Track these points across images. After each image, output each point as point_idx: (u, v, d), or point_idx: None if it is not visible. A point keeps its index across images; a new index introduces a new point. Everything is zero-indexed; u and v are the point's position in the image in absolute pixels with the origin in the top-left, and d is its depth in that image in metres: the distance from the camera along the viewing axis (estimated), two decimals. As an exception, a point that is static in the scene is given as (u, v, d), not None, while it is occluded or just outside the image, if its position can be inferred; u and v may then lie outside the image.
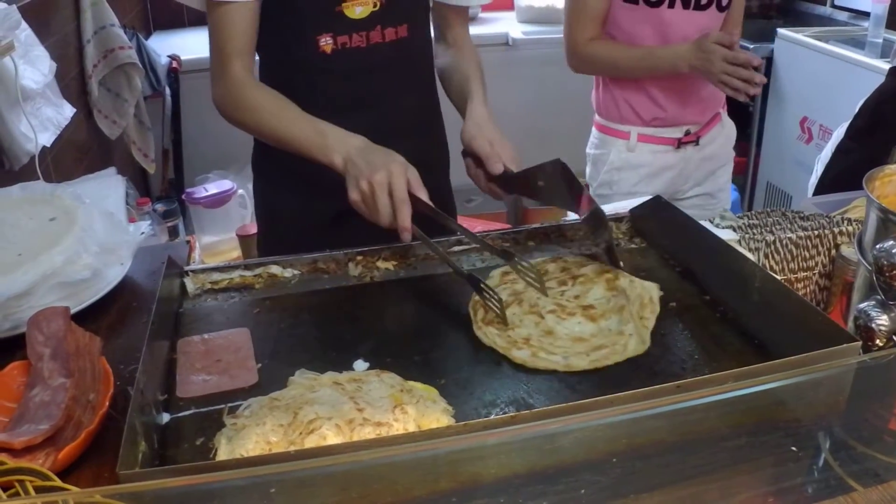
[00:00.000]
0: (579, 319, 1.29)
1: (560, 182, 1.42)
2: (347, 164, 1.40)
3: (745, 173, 4.32)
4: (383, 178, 1.34)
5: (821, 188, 2.40)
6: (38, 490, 0.87)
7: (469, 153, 1.54)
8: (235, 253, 2.49)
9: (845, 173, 2.23)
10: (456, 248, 1.55)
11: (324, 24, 1.58)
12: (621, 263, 1.44)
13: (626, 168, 2.32)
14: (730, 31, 2.25)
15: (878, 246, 1.13)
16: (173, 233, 2.76)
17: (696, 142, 2.30)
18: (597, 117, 2.40)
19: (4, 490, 0.88)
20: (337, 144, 1.43)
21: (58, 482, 0.90)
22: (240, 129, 1.59)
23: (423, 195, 1.36)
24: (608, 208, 1.70)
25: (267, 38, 1.62)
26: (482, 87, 1.66)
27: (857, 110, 2.38)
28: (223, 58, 1.57)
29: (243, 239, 2.40)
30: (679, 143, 2.28)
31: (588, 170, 2.46)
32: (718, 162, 2.39)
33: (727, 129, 2.41)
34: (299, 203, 1.73)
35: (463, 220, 1.86)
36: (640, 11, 2.15)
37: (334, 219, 1.67)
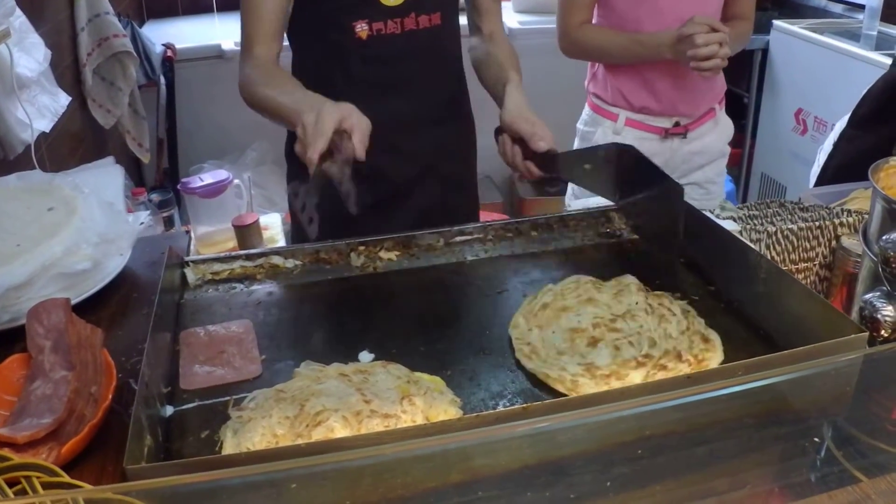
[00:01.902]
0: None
1: (612, 168, 1.43)
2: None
3: (739, 164, 4.32)
4: (312, 118, 1.30)
5: (823, 177, 2.40)
6: (46, 486, 0.86)
7: (509, 132, 1.54)
8: (231, 243, 2.47)
9: (849, 161, 2.23)
10: (458, 239, 1.54)
11: (359, 11, 1.62)
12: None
13: None
14: (742, 13, 2.25)
15: (884, 237, 1.13)
16: (169, 223, 2.74)
17: (684, 135, 2.28)
18: (589, 94, 2.40)
19: (10, 486, 0.86)
20: (305, 106, 1.37)
21: (66, 478, 0.88)
22: (254, 110, 1.58)
23: (356, 140, 1.30)
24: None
25: (303, 24, 1.65)
26: (518, 75, 1.67)
27: (860, 99, 2.38)
28: (247, 43, 1.60)
29: (239, 229, 2.38)
30: (666, 133, 2.27)
31: (576, 145, 2.45)
32: (708, 157, 2.36)
33: (722, 126, 2.38)
34: (333, 191, 1.73)
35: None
36: None
37: (370, 207, 1.68)
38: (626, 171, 1.48)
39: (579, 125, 2.44)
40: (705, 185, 2.41)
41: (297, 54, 1.75)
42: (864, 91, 2.35)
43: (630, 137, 2.26)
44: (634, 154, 1.47)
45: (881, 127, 2.17)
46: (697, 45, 1.98)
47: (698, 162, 2.35)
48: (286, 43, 1.71)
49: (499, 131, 1.58)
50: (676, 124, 2.26)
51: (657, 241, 1.52)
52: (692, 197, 2.34)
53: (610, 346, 1.22)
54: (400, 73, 1.69)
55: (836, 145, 2.37)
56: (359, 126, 1.31)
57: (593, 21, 2.27)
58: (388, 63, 1.67)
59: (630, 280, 1.38)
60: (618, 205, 1.60)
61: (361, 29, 1.62)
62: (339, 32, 1.63)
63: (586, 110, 2.42)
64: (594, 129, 2.35)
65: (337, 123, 1.29)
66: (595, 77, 2.36)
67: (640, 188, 1.49)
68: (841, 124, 2.42)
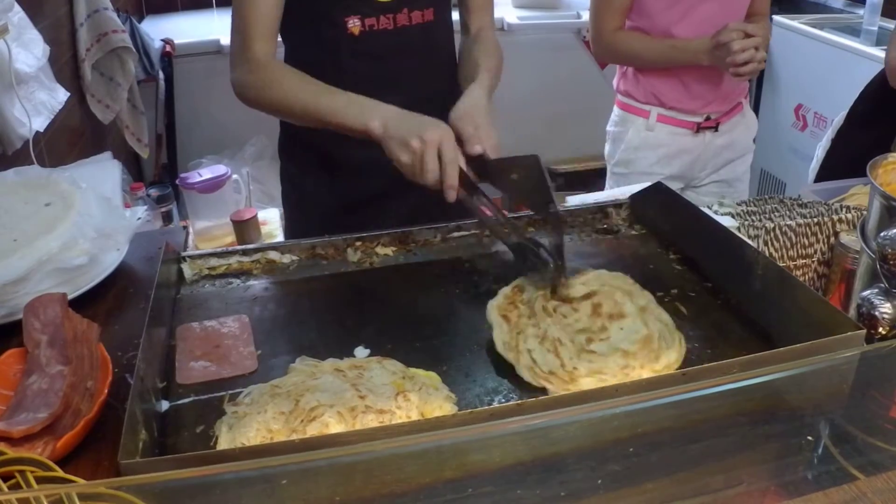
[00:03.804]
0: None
1: (531, 179, 1.39)
2: (388, 128, 1.39)
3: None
4: (434, 136, 1.34)
5: (821, 174, 2.40)
6: (40, 480, 0.86)
7: (454, 131, 1.47)
8: (229, 238, 2.47)
9: (847, 158, 2.23)
10: (455, 234, 1.54)
11: (352, 6, 1.61)
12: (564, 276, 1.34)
13: (644, 148, 2.34)
14: (761, 10, 2.29)
15: (882, 234, 1.12)
16: (167, 218, 2.73)
17: (716, 128, 2.30)
18: (619, 95, 2.42)
19: (4, 480, 0.86)
20: (371, 110, 1.43)
21: (60, 473, 0.88)
22: (261, 109, 1.59)
23: (461, 161, 1.36)
24: (610, 193, 1.69)
25: (295, 19, 1.64)
26: (489, 77, 1.64)
27: (858, 96, 2.38)
28: (245, 40, 1.58)
29: (237, 224, 2.38)
30: (698, 128, 2.29)
31: (607, 147, 2.47)
32: (737, 151, 2.40)
33: (748, 120, 2.41)
34: (327, 187, 1.74)
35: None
36: None
37: (363, 203, 1.68)
38: (538, 183, 1.41)
39: (609, 127, 2.46)
40: (733, 183, 2.44)
41: (289, 50, 1.74)
42: (863, 87, 2.35)
43: (663, 133, 2.30)
44: (540, 166, 1.40)
45: (879, 123, 2.18)
46: (735, 52, 2.03)
47: (727, 156, 2.39)
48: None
49: None
50: (707, 118, 2.28)
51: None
52: (720, 195, 2.35)
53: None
54: (392, 68, 1.68)
55: (835, 142, 2.38)
56: (454, 141, 1.37)
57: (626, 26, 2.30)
58: (380, 59, 1.66)
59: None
60: (541, 216, 1.55)
61: (354, 25, 1.61)
62: (332, 28, 1.62)
63: (616, 111, 2.44)
64: (624, 128, 2.38)
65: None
66: (625, 76, 2.38)
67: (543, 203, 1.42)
68: (839, 120, 2.42)
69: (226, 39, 3.64)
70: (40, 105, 2.17)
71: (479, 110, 1.50)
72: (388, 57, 1.67)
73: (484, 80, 1.61)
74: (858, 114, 2.34)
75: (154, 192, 2.70)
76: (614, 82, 2.45)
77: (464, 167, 1.36)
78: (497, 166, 1.42)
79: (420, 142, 1.35)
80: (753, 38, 2.04)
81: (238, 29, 1.59)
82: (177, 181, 2.59)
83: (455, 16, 1.82)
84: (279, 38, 1.68)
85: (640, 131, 2.34)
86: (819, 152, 2.49)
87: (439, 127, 1.37)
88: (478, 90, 1.57)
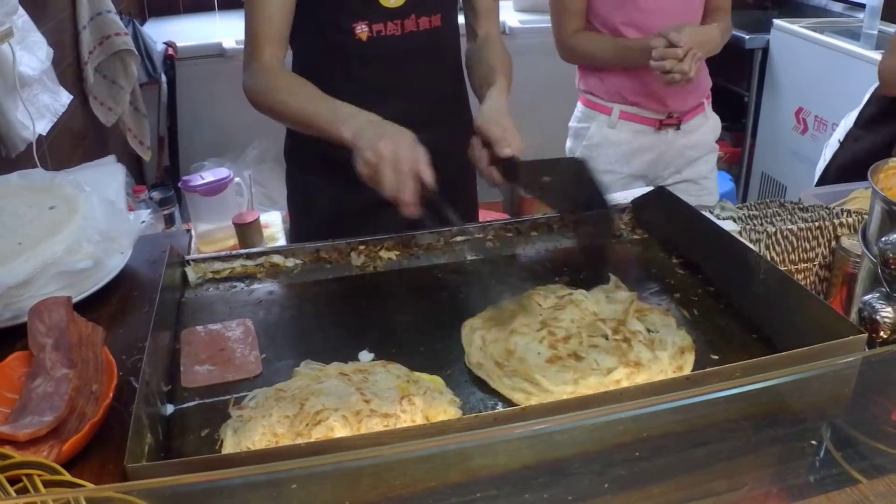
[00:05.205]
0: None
1: (568, 182, 1.38)
2: (355, 137, 1.37)
3: (739, 164, 4.32)
4: (387, 148, 1.31)
5: (826, 176, 2.40)
6: (47, 484, 0.86)
7: (479, 135, 1.49)
8: (231, 241, 2.47)
9: (851, 161, 2.24)
10: (458, 238, 1.55)
11: (360, 12, 1.61)
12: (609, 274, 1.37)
13: (605, 145, 2.36)
14: (721, 6, 2.30)
15: (883, 238, 1.13)
16: (169, 221, 2.73)
17: (678, 126, 2.31)
18: (582, 93, 2.43)
19: (11, 484, 0.87)
20: (347, 118, 1.41)
21: (67, 476, 0.89)
22: (266, 114, 1.59)
23: (427, 177, 1.32)
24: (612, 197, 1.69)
25: (303, 25, 1.65)
26: (506, 81, 1.66)
27: (866, 98, 2.38)
28: (255, 45, 1.59)
29: (240, 227, 2.38)
30: (661, 125, 2.30)
31: (568, 143, 2.50)
32: (700, 151, 2.42)
33: (711, 122, 2.43)
34: (333, 191, 1.75)
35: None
36: None
37: (368, 207, 1.68)
38: (582, 186, 1.43)
39: (571, 123, 2.48)
40: (699, 181, 2.46)
41: (297, 56, 1.75)
42: (868, 90, 2.35)
43: (625, 130, 2.32)
44: (589, 169, 1.43)
45: (885, 127, 2.18)
46: (654, 59, 2.07)
47: (690, 156, 2.41)
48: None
49: (473, 133, 1.54)
50: (669, 115, 2.29)
51: (589, 259, 1.51)
52: (689, 193, 2.37)
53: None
54: (400, 74, 1.69)
55: (842, 144, 2.38)
56: (423, 158, 1.33)
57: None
58: (388, 64, 1.67)
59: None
60: (568, 221, 1.57)
61: (361, 30, 1.62)
62: (340, 34, 1.63)
63: (579, 107, 2.46)
64: (588, 124, 2.39)
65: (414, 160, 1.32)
66: (586, 74, 2.40)
67: (590, 205, 1.43)
68: (846, 121, 2.42)
69: (228, 42, 3.67)
70: (43, 108, 2.17)
71: (503, 114, 1.51)
72: (396, 62, 1.67)
73: (502, 84, 1.62)
74: (866, 118, 2.34)
75: (156, 194, 2.71)
76: (575, 81, 2.46)
77: (427, 180, 1.32)
78: (527, 168, 1.42)
79: (374, 153, 1.32)
80: (676, 48, 2.05)
81: (248, 34, 1.61)
82: (179, 184, 2.59)
83: (461, 19, 1.82)
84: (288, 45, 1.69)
85: (601, 128, 2.36)
86: (826, 152, 2.48)
87: (397, 139, 1.33)
88: (498, 95, 1.58)
